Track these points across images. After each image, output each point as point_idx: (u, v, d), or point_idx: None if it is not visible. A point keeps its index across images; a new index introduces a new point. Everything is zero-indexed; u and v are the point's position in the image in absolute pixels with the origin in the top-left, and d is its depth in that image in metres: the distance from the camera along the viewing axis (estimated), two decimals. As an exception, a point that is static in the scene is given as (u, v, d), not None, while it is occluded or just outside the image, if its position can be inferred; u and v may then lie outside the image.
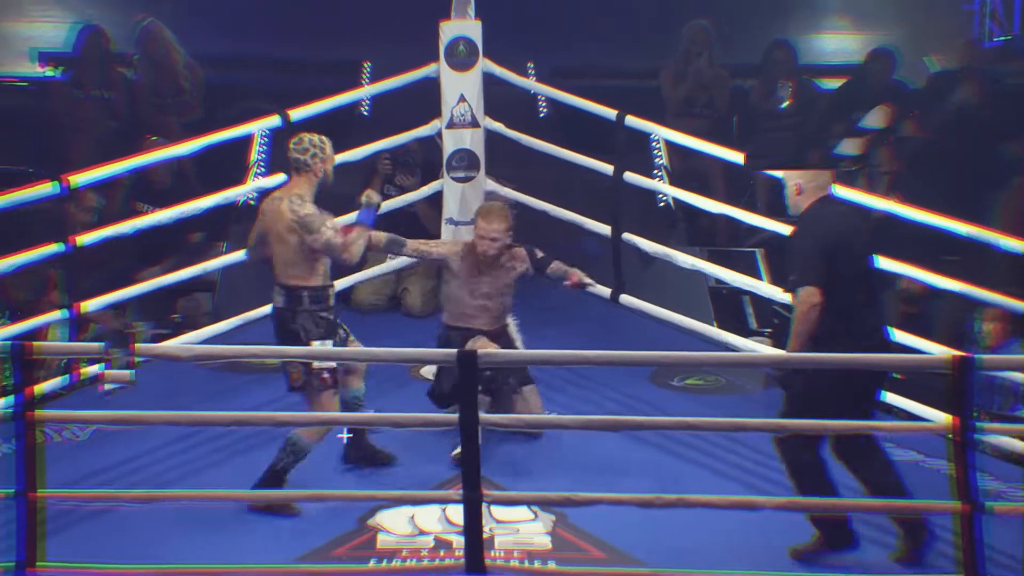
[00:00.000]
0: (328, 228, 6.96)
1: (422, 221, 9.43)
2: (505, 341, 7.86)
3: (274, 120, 8.70)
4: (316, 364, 6.91)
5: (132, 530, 6.61)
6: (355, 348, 7.18)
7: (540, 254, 7.86)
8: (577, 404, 7.85)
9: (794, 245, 6.57)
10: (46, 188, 7.95)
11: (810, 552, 6.48)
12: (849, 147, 10.11)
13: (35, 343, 6.55)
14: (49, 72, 11.19)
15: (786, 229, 8.37)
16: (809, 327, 6.36)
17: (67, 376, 8.13)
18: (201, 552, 6.40)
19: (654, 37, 11.31)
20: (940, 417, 7.29)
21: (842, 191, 6.85)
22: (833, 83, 11.21)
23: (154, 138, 9.55)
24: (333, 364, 6.95)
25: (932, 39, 11.59)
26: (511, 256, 7.85)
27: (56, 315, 8.10)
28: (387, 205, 9.25)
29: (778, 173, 6.83)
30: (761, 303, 9.27)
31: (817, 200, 6.58)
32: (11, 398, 6.33)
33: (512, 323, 8.03)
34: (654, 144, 10.42)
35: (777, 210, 9.34)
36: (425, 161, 9.39)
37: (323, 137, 7.12)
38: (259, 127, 8.94)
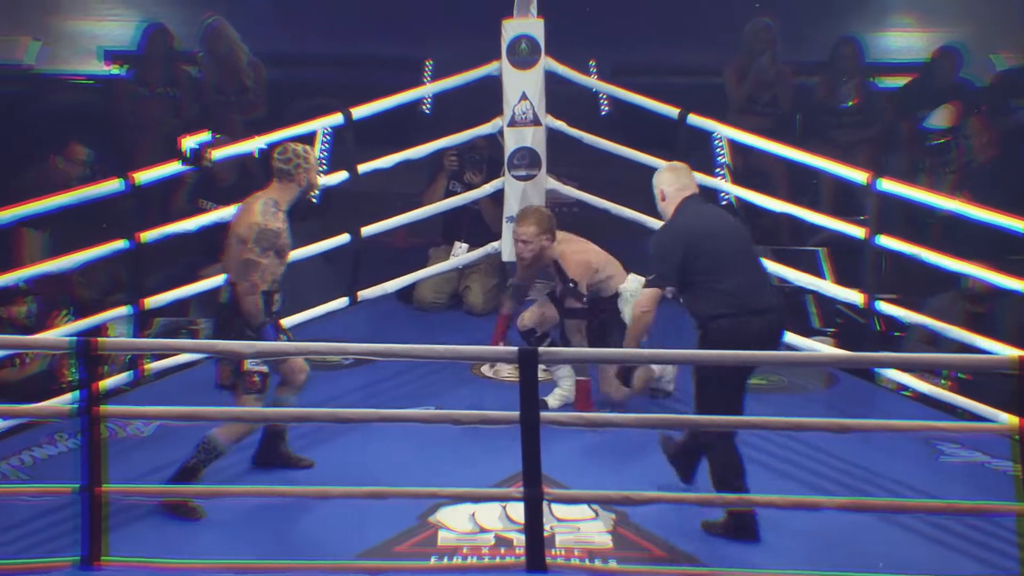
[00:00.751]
0: (263, 259, 6.86)
1: (485, 219, 9.43)
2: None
3: (336, 118, 8.75)
4: (247, 365, 6.84)
5: (194, 525, 6.66)
6: (427, 347, 7.12)
7: (573, 305, 7.95)
8: (634, 402, 7.82)
9: (652, 247, 6.84)
10: (112, 185, 8.01)
11: (716, 532, 6.59)
12: (938, 119, 9.96)
13: (100, 339, 6.61)
14: (114, 70, 11.25)
15: (851, 229, 8.36)
16: (641, 331, 6.79)
17: (131, 372, 8.20)
18: (263, 548, 6.43)
19: (717, 34, 11.25)
20: (1005, 418, 7.23)
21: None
22: (898, 81, 11.12)
23: (217, 135, 9.59)
24: (264, 368, 6.87)
25: (998, 37, 11.48)
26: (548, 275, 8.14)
27: (120, 311, 8.16)
28: (451, 203, 9.30)
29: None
30: (824, 302, 9.22)
31: (681, 203, 6.84)
32: (77, 394, 6.38)
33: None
34: (716, 142, 10.38)
35: (841, 209, 9.30)
36: (491, 159, 9.39)
37: (307, 147, 7.13)
38: (322, 124, 8.98)
